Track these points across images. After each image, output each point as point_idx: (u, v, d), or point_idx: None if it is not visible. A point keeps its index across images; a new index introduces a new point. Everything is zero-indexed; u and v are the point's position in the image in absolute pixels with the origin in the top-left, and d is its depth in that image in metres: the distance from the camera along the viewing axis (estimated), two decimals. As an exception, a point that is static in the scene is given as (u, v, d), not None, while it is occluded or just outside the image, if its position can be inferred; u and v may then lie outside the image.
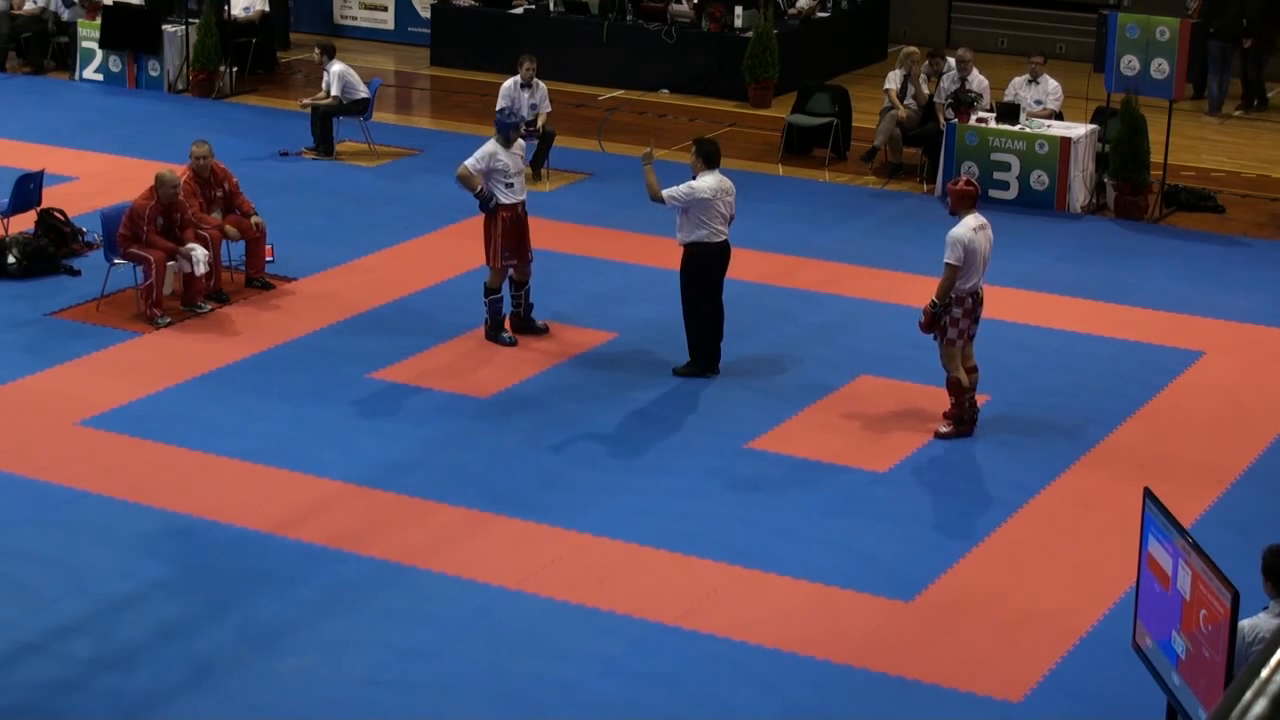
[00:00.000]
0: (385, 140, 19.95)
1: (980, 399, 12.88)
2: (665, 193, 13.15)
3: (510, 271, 14.03)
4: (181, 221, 14.47)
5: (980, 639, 9.91)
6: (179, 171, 14.92)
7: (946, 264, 12.20)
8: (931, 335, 12.43)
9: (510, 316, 14.14)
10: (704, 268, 13.31)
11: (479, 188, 13.81)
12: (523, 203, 13.98)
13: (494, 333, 14.07)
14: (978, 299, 12.42)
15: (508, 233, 13.84)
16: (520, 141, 14.22)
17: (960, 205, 12.37)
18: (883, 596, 10.30)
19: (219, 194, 15.13)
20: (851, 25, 24.27)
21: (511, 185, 13.86)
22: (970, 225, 12.25)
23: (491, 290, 13.99)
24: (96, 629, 9.84)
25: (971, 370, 12.54)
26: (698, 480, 11.80)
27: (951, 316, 12.29)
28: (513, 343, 13.98)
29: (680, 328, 13.55)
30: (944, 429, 12.53)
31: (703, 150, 13.37)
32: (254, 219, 15.11)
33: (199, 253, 14.36)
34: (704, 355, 13.47)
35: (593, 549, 10.85)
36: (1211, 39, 21.49)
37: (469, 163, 13.86)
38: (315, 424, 12.56)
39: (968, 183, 12.58)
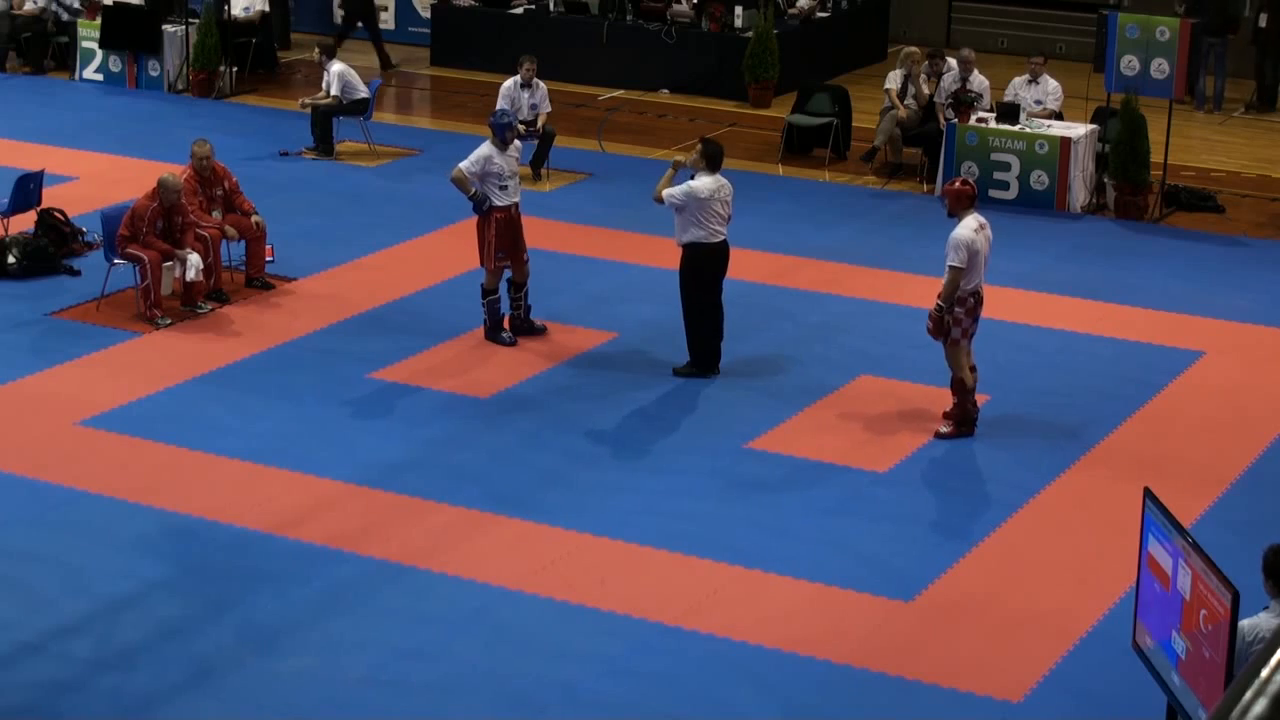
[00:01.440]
0: (385, 140, 19.95)
1: (980, 399, 12.88)
2: (665, 193, 13.17)
3: (507, 273, 14.03)
4: (182, 225, 14.48)
5: (980, 639, 9.91)
6: (179, 171, 14.93)
7: (951, 266, 12.17)
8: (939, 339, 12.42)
9: (509, 318, 14.14)
10: (702, 268, 13.31)
11: (472, 191, 13.83)
12: (516, 204, 13.98)
13: (493, 333, 14.07)
14: (979, 298, 12.41)
15: (501, 234, 13.83)
16: (516, 143, 14.23)
17: (958, 206, 12.33)
18: (883, 596, 10.30)
19: (219, 193, 15.15)
20: (851, 25, 24.27)
21: (506, 187, 13.85)
22: (971, 226, 12.23)
23: (488, 291, 13.99)
24: (96, 629, 9.84)
25: (971, 369, 12.53)
26: (698, 480, 11.80)
27: (954, 316, 12.27)
28: (512, 342, 13.97)
29: (680, 328, 13.55)
30: (944, 429, 12.52)
31: (707, 151, 13.33)
32: (254, 218, 15.11)
33: (193, 258, 14.36)
34: (704, 355, 13.47)
35: (593, 549, 10.85)
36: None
37: (463, 165, 13.88)
38: (315, 424, 12.56)
39: (964, 183, 12.53)
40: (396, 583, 10.39)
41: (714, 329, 13.49)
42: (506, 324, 14.11)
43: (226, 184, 15.20)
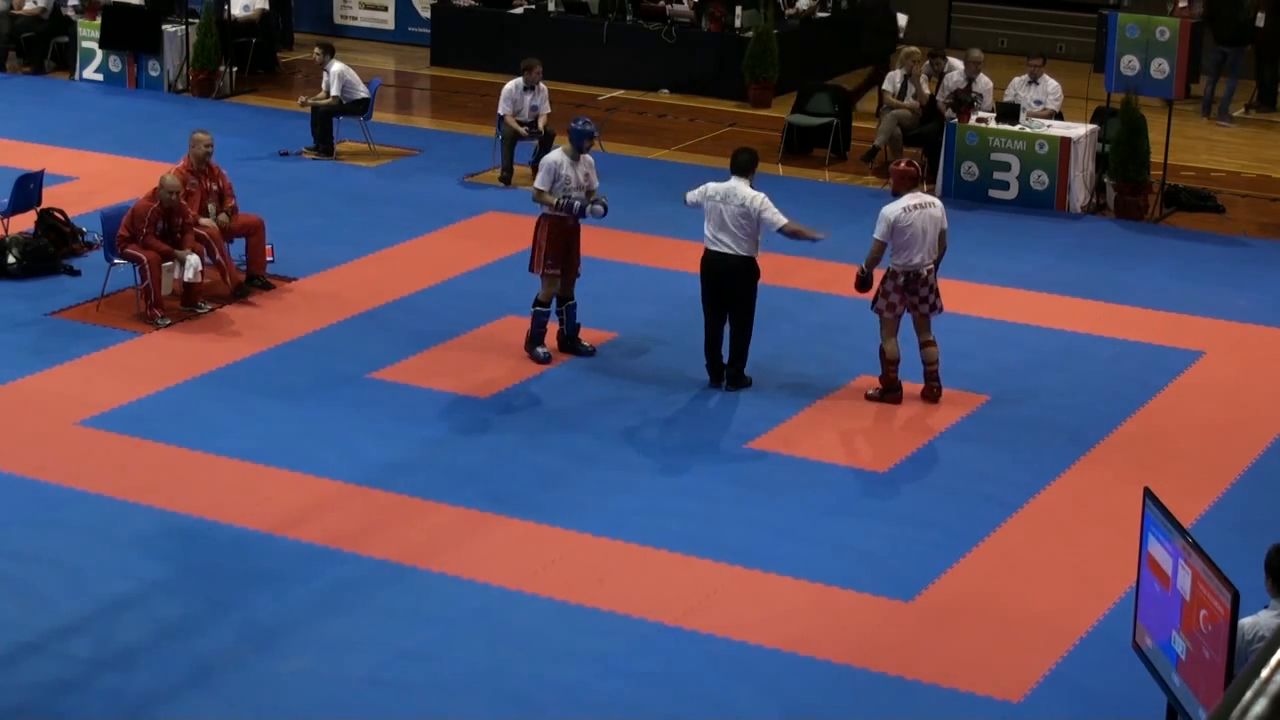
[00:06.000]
0: (385, 140, 19.95)
1: (980, 399, 12.90)
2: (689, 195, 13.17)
3: (556, 285, 13.59)
4: (182, 226, 14.47)
5: (980, 639, 9.91)
6: (179, 164, 14.90)
7: (874, 239, 12.69)
8: (871, 305, 12.88)
9: (556, 332, 13.76)
10: (701, 274, 13.21)
11: (556, 202, 13.42)
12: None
13: (531, 345, 13.61)
14: (914, 277, 12.60)
15: (553, 241, 13.41)
16: (588, 158, 13.68)
17: (901, 185, 12.76)
18: (883, 596, 10.30)
19: (213, 188, 15.04)
20: (852, 25, 24.25)
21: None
22: (904, 204, 12.57)
23: (539, 302, 13.56)
24: (96, 629, 9.84)
25: (926, 344, 12.84)
26: (698, 480, 11.80)
27: (882, 289, 12.63)
28: (547, 359, 13.60)
29: (680, 329, 13.52)
30: (871, 391, 12.95)
31: (734, 154, 13.21)
32: (221, 216, 14.94)
33: (191, 259, 14.36)
34: (710, 365, 13.32)
35: (593, 549, 10.84)
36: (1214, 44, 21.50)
37: (537, 183, 13.54)
38: (315, 424, 12.55)
39: (909, 164, 13.05)
40: (396, 583, 10.39)
41: (712, 342, 13.13)
42: (554, 341, 13.70)
43: (220, 182, 15.11)
